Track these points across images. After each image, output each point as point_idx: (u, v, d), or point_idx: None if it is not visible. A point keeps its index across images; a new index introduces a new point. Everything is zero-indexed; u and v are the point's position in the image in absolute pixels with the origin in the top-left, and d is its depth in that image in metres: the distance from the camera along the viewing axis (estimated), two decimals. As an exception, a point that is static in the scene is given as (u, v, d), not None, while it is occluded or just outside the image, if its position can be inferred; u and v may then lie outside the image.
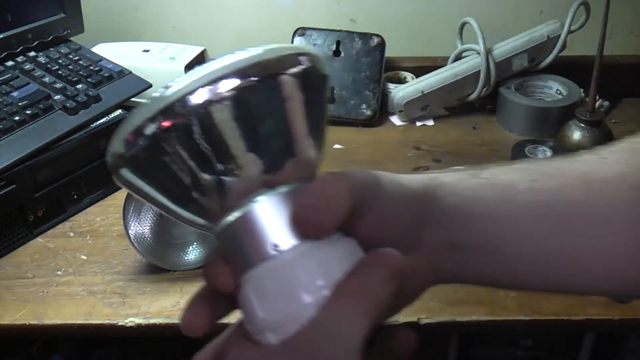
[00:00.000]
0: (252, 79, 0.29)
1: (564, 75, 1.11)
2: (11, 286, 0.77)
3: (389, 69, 1.15)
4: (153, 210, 0.76)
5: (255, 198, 0.31)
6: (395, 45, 1.15)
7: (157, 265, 0.78)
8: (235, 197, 0.31)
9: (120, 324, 0.72)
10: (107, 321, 0.72)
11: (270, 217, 0.31)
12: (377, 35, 1.12)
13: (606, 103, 1.13)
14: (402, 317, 0.71)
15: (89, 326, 0.72)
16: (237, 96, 0.29)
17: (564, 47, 1.10)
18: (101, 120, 0.90)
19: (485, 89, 1.09)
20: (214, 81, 0.29)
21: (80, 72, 0.94)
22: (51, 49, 0.97)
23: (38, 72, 0.92)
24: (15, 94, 0.88)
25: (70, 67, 0.94)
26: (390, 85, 1.12)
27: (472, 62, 1.09)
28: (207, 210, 0.32)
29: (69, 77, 0.92)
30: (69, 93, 0.89)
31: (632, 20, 1.20)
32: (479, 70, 1.08)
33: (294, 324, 0.30)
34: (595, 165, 0.38)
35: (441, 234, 0.37)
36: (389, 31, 1.14)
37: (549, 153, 0.97)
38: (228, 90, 0.29)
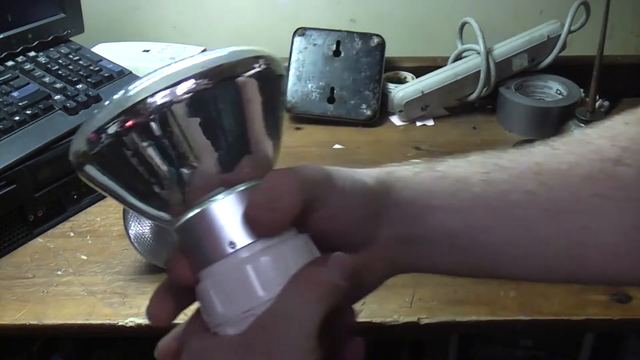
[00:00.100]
0: (209, 81, 0.31)
1: (564, 75, 1.10)
2: (11, 286, 0.77)
3: (389, 69, 1.15)
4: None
5: (213, 197, 0.32)
6: (395, 45, 1.15)
7: (157, 265, 0.78)
8: (194, 193, 0.32)
9: (120, 324, 0.72)
10: (107, 321, 0.72)
11: (227, 215, 0.32)
12: (377, 35, 1.12)
13: (606, 103, 1.13)
14: (402, 317, 0.71)
15: (89, 326, 0.72)
16: (195, 98, 0.31)
17: (564, 47, 1.10)
18: (101, 121, 0.89)
19: (485, 89, 1.09)
20: (174, 84, 0.30)
21: (80, 72, 0.94)
22: (51, 49, 0.97)
23: (38, 72, 0.92)
24: (15, 94, 0.88)
25: (70, 67, 0.94)
26: (390, 85, 1.12)
27: (472, 62, 1.09)
28: (169, 206, 0.33)
29: (69, 77, 0.92)
30: (69, 93, 0.89)
31: (632, 20, 1.20)
32: (479, 70, 1.08)
33: (252, 319, 0.31)
34: (547, 157, 0.39)
35: (396, 227, 0.37)
36: (389, 31, 1.13)
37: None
38: (186, 92, 0.30)
